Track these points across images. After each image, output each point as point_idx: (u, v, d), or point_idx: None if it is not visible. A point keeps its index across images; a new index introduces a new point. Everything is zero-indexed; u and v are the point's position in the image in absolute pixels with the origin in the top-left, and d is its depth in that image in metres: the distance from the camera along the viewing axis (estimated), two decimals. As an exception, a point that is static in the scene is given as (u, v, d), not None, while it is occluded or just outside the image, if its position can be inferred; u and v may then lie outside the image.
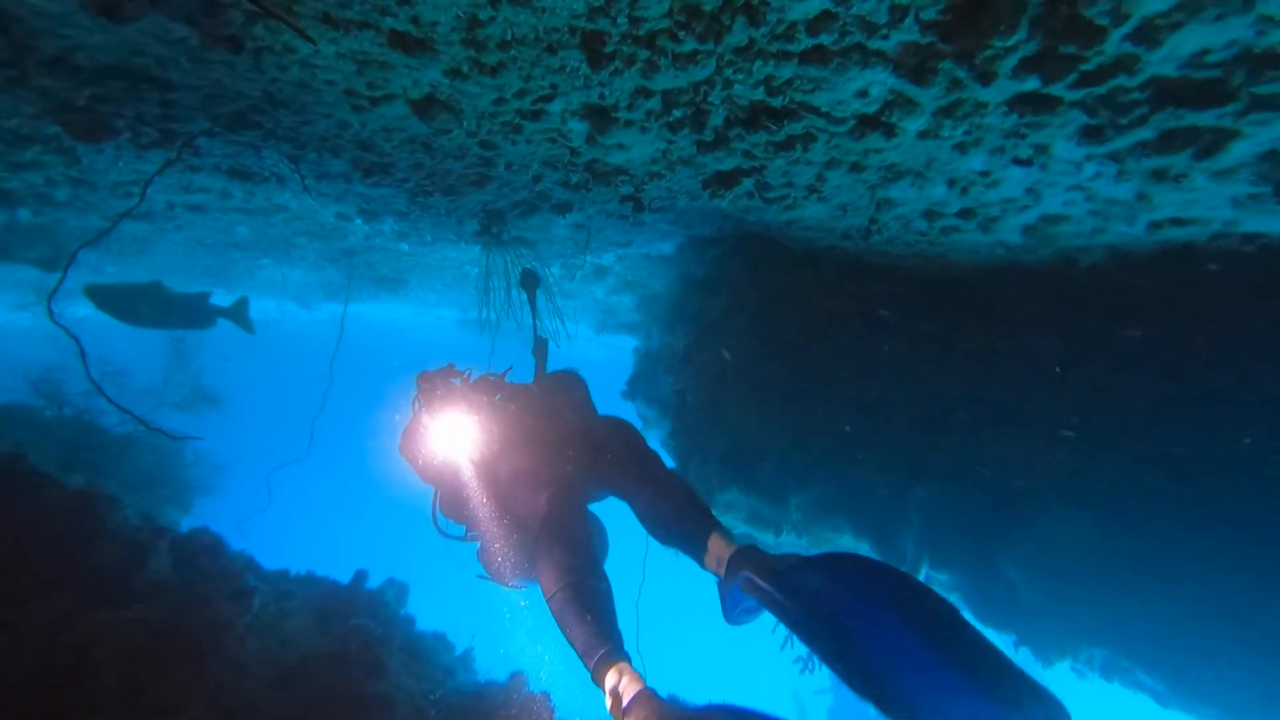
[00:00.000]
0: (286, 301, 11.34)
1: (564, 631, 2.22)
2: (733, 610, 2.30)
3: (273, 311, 12.58)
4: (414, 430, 3.35)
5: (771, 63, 2.16)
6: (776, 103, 2.40)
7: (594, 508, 2.99)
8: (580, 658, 2.12)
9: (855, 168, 2.94)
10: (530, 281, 4.64)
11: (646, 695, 1.90)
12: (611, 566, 2.61)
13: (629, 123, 2.55)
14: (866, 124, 2.54)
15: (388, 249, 6.35)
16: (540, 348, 4.07)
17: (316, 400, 6.68)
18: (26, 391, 5.16)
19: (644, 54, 2.06)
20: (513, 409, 3.19)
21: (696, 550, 2.47)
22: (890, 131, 2.55)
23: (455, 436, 3.11)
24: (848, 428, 4.01)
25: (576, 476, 2.85)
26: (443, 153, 3.50)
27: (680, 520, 2.57)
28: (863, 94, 2.36)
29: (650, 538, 2.78)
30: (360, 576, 4.93)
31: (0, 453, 3.89)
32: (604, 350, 17.75)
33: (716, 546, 2.36)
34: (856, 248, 3.96)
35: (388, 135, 3.30)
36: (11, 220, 5.44)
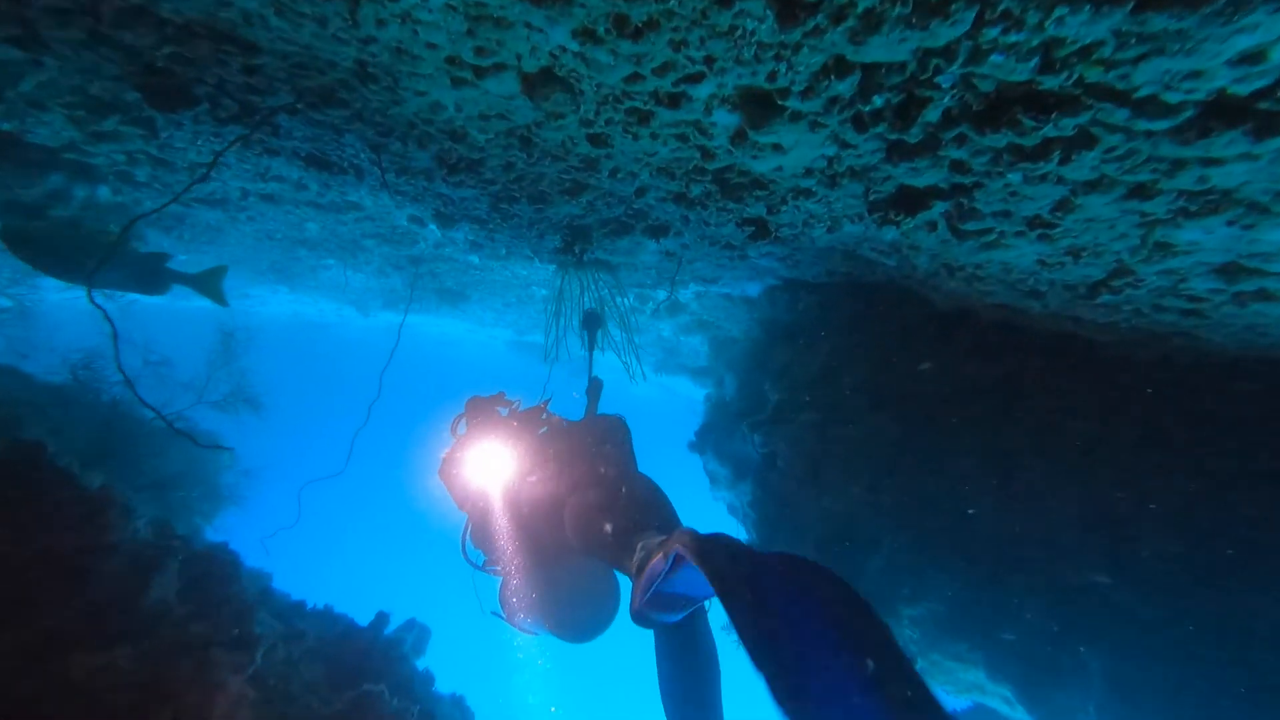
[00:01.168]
0: (345, 306, 11.27)
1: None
2: (648, 591, 2.06)
3: (331, 315, 12.58)
4: (455, 455, 3.35)
5: (1085, 9, 1.38)
6: (1051, 84, 1.65)
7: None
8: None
9: (1141, 192, 2.03)
10: (592, 322, 4.58)
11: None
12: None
13: (797, 116, 2.00)
14: (1221, 115, 1.63)
15: (456, 260, 6.00)
16: (594, 389, 4.01)
17: (361, 411, 6.30)
18: (67, 373, 4.92)
19: (869, 2, 1.47)
20: (555, 446, 3.19)
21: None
22: (1268, 129, 1.61)
23: (495, 465, 3.14)
24: (980, 529, 3.24)
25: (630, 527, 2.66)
26: (542, 150, 3.05)
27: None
28: (1251, 59, 1.45)
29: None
30: (380, 621, 4.36)
31: (24, 441, 3.53)
32: (656, 390, 17.19)
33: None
34: (1044, 308, 3.17)
35: (484, 124, 2.86)
36: (92, 196, 5.32)
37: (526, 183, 3.56)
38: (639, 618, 2.23)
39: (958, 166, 2.11)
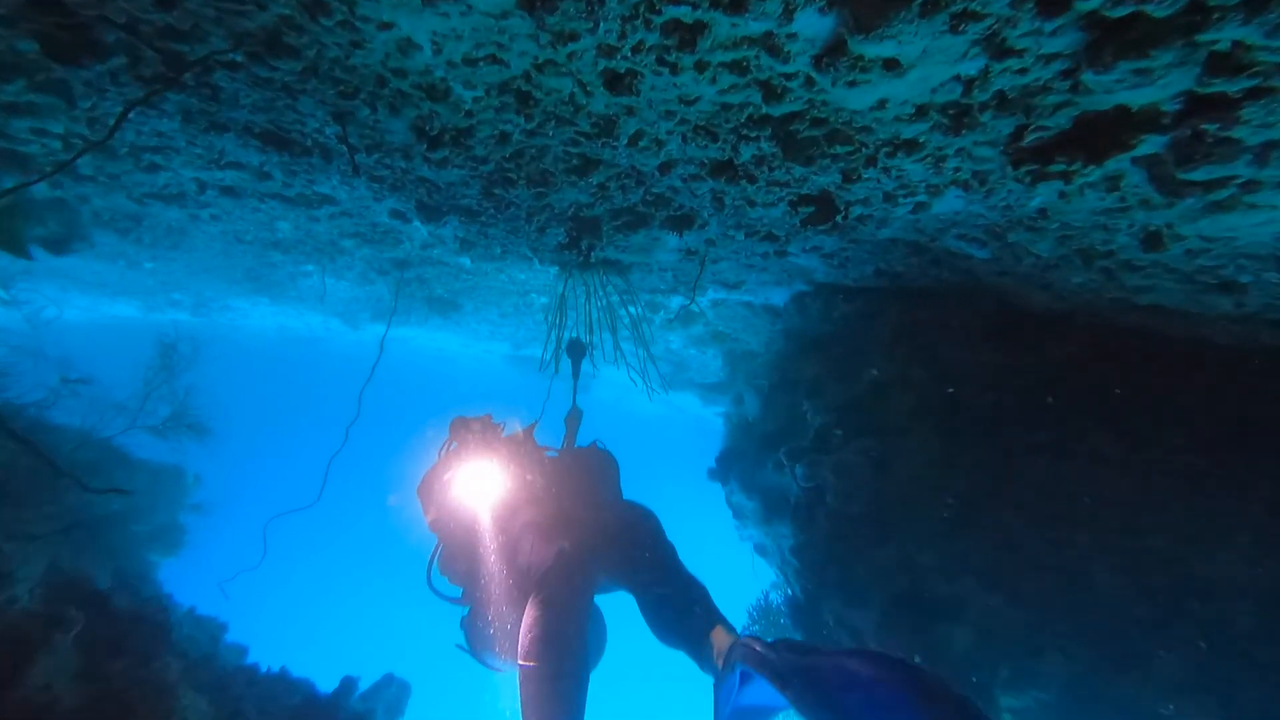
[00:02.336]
0: (332, 318, 10.62)
1: (523, 704, 2.07)
2: (726, 707, 2.12)
3: (318, 329, 11.92)
4: (436, 474, 3.29)
5: None
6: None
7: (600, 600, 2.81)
8: None
9: None
10: (576, 351, 4.39)
11: None
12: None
13: (932, 6, 1.34)
14: None
15: (446, 263, 5.36)
16: (574, 418, 3.95)
17: (340, 436, 5.61)
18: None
19: None
20: (541, 471, 3.16)
21: (699, 647, 2.34)
22: None
23: (480, 487, 3.09)
24: (1103, 590, 2.55)
25: (587, 559, 2.66)
26: (544, 112, 2.42)
27: (684, 616, 2.46)
28: None
29: (654, 637, 2.62)
30: (346, 688, 3.64)
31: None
32: (662, 408, 16.49)
33: (720, 639, 2.25)
34: (1237, 309, 2.44)
35: (471, 74, 2.23)
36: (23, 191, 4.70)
37: (525, 160, 2.93)
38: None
39: (1221, 64, 1.40)
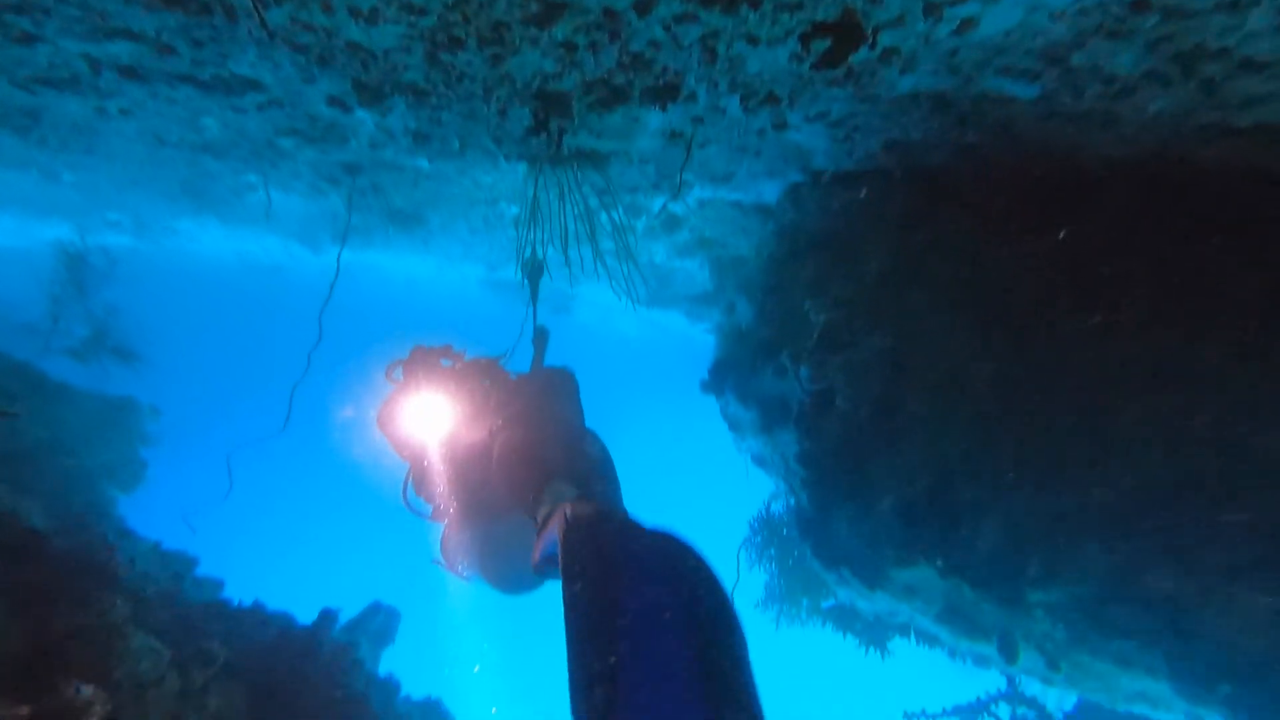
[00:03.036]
0: (290, 241, 9.92)
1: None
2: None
3: (278, 254, 11.19)
4: (394, 404, 3.35)
5: None
6: None
7: None
8: None
9: None
10: (535, 271, 4.31)
11: None
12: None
13: None
14: None
15: (401, 166, 4.78)
16: (540, 339, 3.92)
17: (308, 366, 5.21)
18: None
19: None
20: (497, 398, 3.18)
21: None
22: None
23: (431, 417, 3.16)
24: (1147, 468, 2.32)
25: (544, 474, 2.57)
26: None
27: None
28: None
29: None
30: (325, 621, 3.46)
31: None
32: (645, 328, 16.12)
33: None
34: None
35: None
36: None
37: (472, 7, 2.38)
38: (539, 570, 2.10)
39: None
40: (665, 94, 2.90)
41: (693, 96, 2.92)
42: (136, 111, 4.27)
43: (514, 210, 6.06)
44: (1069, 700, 3.50)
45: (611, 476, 2.69)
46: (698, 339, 14.02)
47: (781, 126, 3.04)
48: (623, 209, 5.22)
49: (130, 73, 3.56)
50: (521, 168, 4.27)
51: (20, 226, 8.33)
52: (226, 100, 3.84)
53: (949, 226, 3.03)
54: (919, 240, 3.11)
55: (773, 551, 4.13)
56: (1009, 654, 2.27)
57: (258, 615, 3.45)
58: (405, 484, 3.34)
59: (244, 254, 11.39)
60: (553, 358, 4.16)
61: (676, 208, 5.45)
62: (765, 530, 4.16)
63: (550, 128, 3.22)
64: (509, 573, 2.96)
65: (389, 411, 3.33)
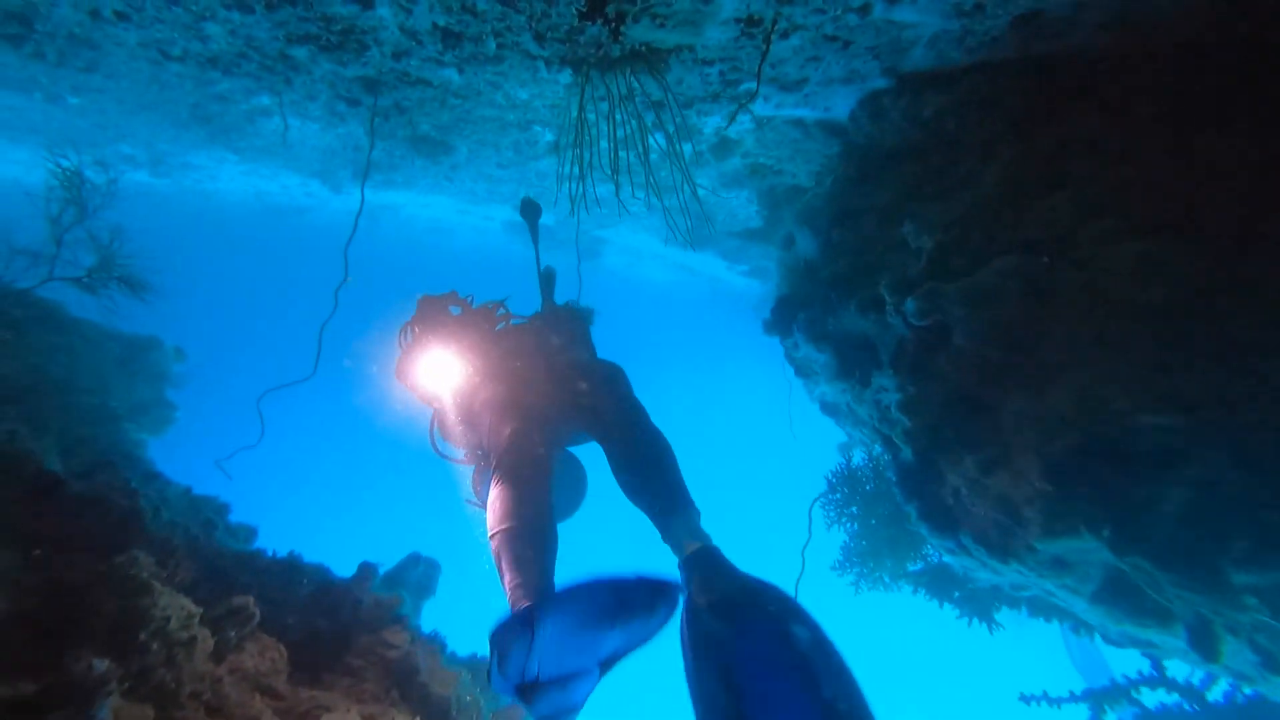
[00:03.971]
0: (310, 180, 9.50)
1: (498, 572, 2.13)
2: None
3: (298, 194, 10.79)
4: (408, 357, 3.41)
5: None
6: None
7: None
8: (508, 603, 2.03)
9: None
10: (531, 211, 4.22)
11: None
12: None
13: None
14: None
15: (428, 82, 4.27)
16: (546, 279, 3.90)
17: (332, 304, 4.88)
18: None
19: None
20: (504, 343, 3.27)
21: (665, 520, 2.24)
22: None
23: (439, 367, 3.22)
24: None
25: (552, 414, 2.82)
26: None
27: (651, 477, 2.42)
28: None
29: (620, 490, 2.56)
30: (365, 573, 3.23)
31: None
32: (668, 271, 15.54)
33: (688, 546, 2.11)
34: None
35: None
36: None
37: None
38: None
39: None
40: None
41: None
42: (134, 15, 3.81)
43: (549, 136, 5.54)
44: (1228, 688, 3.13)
45: (631, 402, 2.73)
46: (729, 283, 13.46)
47: (891, 5, 2.47)
48: (672, 129, 4.68)
49: (119, -41, 3.09)
50: (564, 77, 3.75)
51: (31, 157, 8.02)
52: (230, -4, 3.35)
53: (1087, 123, 2.49)
54: (1049, 140, 2.57)
55: (854, 509, 3.77)
56: (1206, 647, 1.88)
57: (294, 567, 3.24)
58: (431, 430, 3.38)
59: (263, 193, 11.02)
60: (583, 301, 4.10)
61: (731, 129, 4.88)
62: (847, 486, 3.79)
63: (606, 11, 2.69)
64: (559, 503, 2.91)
65: (404, 365, 3.38)
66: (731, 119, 4.05)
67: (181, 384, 5.45)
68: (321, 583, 3.07)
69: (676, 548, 2.15)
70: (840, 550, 3.82)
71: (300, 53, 4.03)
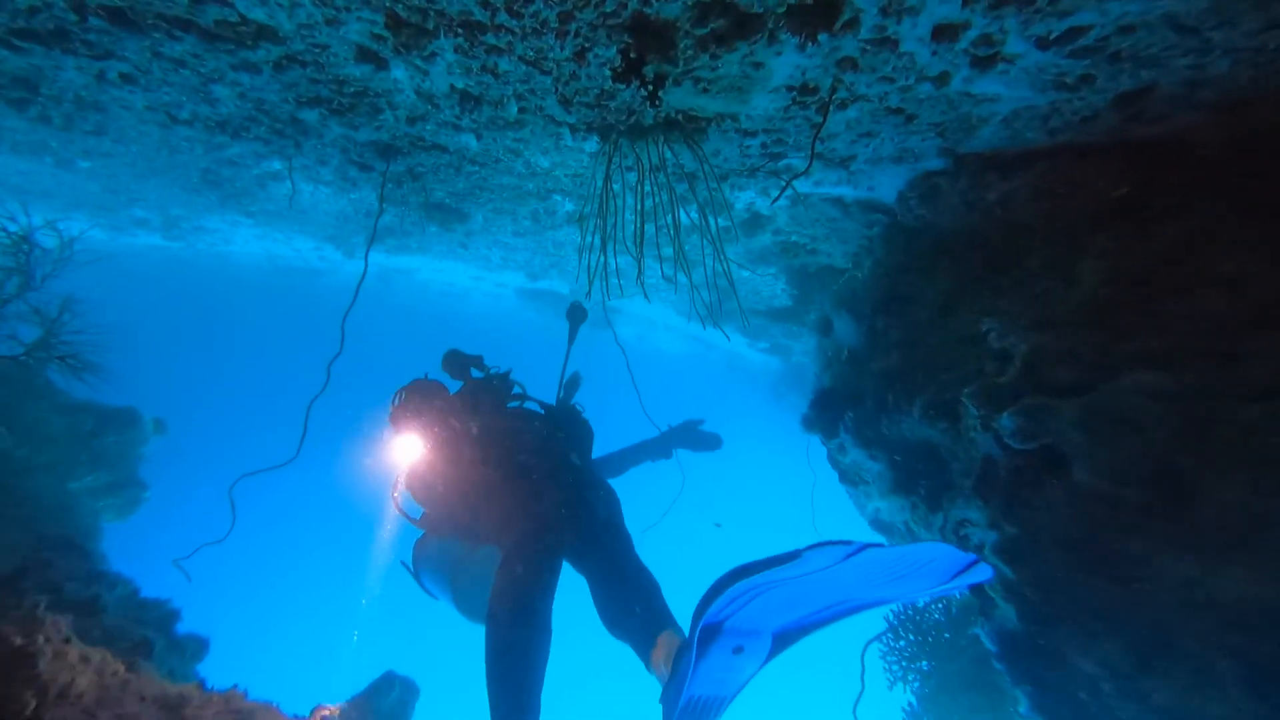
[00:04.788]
0: (324, 244, 9.38)
1: (487, 678, 2.15)
2: (675, 710, 2.00)
3: (311, 257, 10.70)
4: (417, 400, 3.49)
5: None
6: None
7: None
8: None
9: None
10: (577, 316, 4.23)
11: None
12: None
13: None
14: None
15: (444, 148, 4.03)
16: (572, 384, 3.88)
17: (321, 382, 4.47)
18: None
19: None
20: (511, 424, 3.33)
21: (644, 644, 2.27)
22: None
23: (440, 422, 3.31)
24: None
25: (557, 524, 2.76)
26: None
27: (632, 610, 2.43)
28: None
29: (602, 624, 2.59)
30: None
31: None
32: (682, 343, 15.19)
33: (667, 642, 2.20)
34: None
35: None
36: None
37: None
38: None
39: None
40: (816, 18, 2.04)
41: (854, 22, 2.05)
42: (140, 79, 3.62)
43: (568, 206, 5.28)
44: None
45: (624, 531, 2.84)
46: (744, 358, 13.05)
47: (986, 63, 2.14)
48: (699, 203, 4.38)
49: (120, 17, 2.88)
50: (590, 145, 3.46)
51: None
52: (238, 56, 3.13)
53: (1219, 214, 2.09)
54: (1173, 232, 2.17)
55: (925, 664, 3.08)
56: None
57: (233, 707, 2.63)
58: (397, 483, 3.37)
59: (276, 256, 10.94)
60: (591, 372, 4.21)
61: (764, 204, 4.58)
62: (912, 631, 3.13)
63: (644, 73, 2.38)
64: (477, 601, 2.91)
65: (406, 411, 3.43)
66: (778, 196, 3.71)
67: (158, 462, 4.98)
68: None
69: (665, 662, 2.14)
70: (903, 713, 3.08)
71: (311, 116, 3.81)
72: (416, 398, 3.47)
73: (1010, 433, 2.10)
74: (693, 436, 4.77)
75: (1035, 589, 2.08)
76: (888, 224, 4.22)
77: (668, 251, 6.81)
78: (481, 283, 12.21)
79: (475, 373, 3.74)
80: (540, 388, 4.37)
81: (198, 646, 3.58)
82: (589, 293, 3.88)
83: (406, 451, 3.40)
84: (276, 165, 5.08)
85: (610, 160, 3.23)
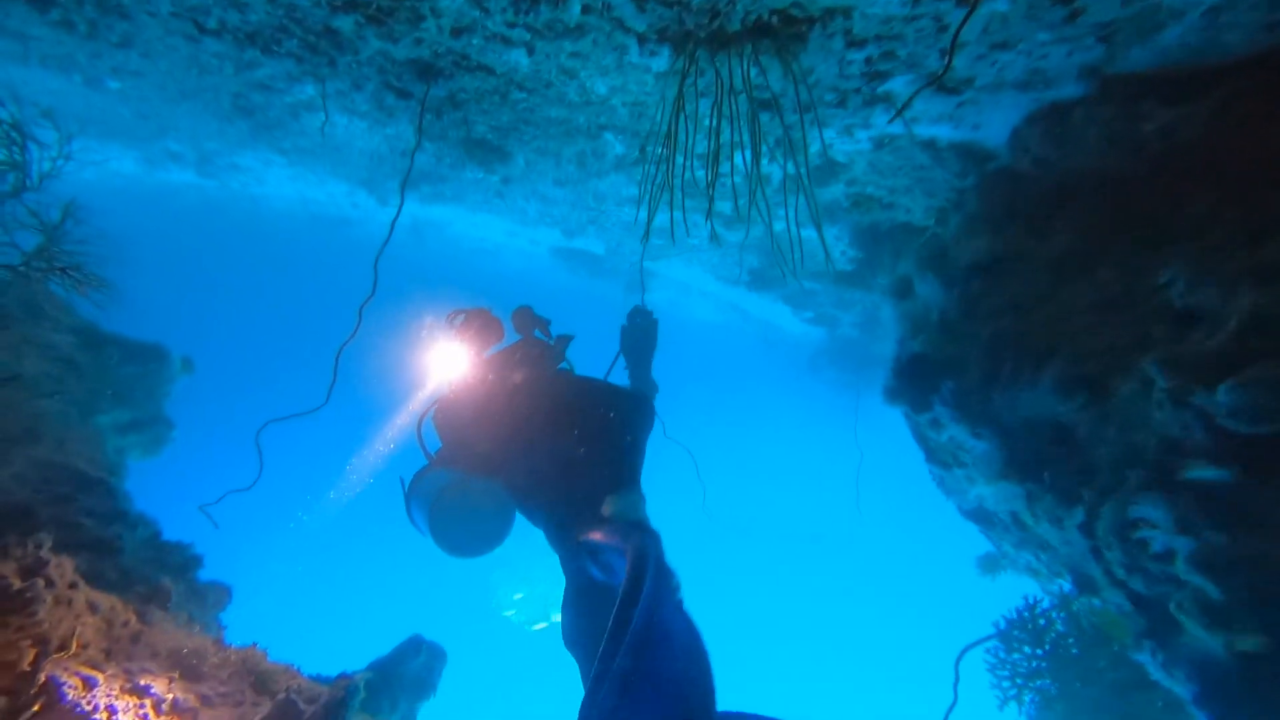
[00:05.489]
0: (358, 189, 9.09)
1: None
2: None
3: (344, 203, 10.44)
4: (478, 325, 3.43)
5: None
6: None
7: None
8: None
9: None
10: (643, 326, 3.78)
11: None
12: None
13: None
14: None
15: (490, 68, 3.60)
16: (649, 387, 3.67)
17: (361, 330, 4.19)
18: None
19: None
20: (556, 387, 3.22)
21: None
22: None
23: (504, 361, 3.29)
24: None
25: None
26: None
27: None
28: None
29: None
30: (343, 692, 2.36)
31: None
32: (719, 311, 14.66)
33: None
34: None
35: None
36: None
37: None
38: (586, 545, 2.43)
39: None
40: None
41: None
42: (162, -27, 3.26)
43: (619, 149, 4.83)
44: None
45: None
46: (789, 329, 12.50)
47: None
48: (773, 141, 3.90)
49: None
50: (659, 62, 3.01)
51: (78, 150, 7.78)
52: (265, -61, 2.74)
53: None
54: None
55: (1049, 683, 2.64)
56: None
57: (250, 667, 2.39)
58: (422, 417, 3.32)
59: (310, 200, 10.71)
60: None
61: (841, 150, 4.08)
62: (1029, 641, 2.69)
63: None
64: (459, 533, 2.89)
65: (469, 330, 3.35)
66: (899, 112, 3.10)
67: (185, 401, 4.81)
68: (284, 705, 2.22)
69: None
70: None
71: (346, 24, 3.42)
72: (480, 322, 3.38)
73: (1233, 410, 1.64)
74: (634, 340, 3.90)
75: (1251, 612, 1.66)
76: (989, 172, 3.70)
77: (718, 206, 6.32)
78: (515, 239, 11.85)
79: (538, 334, 3.59)
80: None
81: (220, 595, 3.39)
82: (645, 235, 3.48)
83: (451, 372, 3.30)
84: (310, 90, 4.71)
85: (685, 77, 2.78)
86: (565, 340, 3.57)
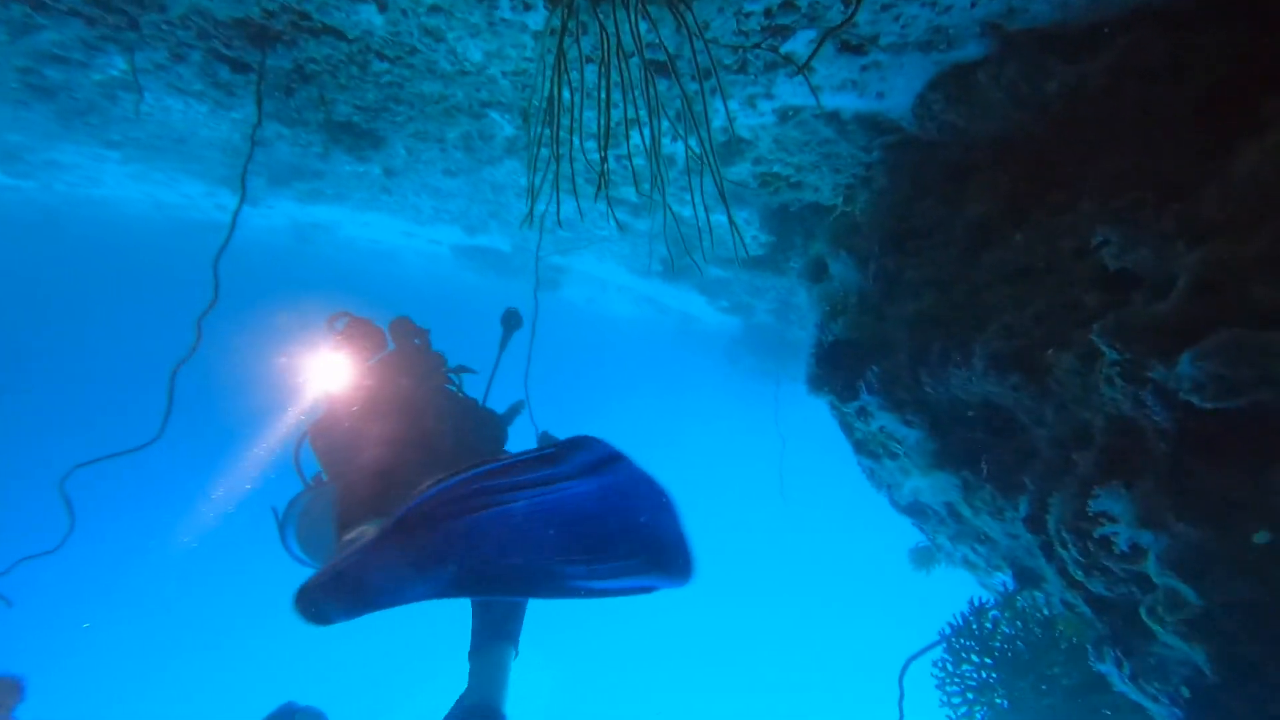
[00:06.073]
0: (218, 188, 8.01)
1: None
2: None
3: (205, 205, 9.18)
4: (357, 335, 3.34)
5: None
6: None
7: None
8: None
9: None
10: (512, 323, 3.88)
11: None
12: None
13: None
14: None
15: (338, 30, 3.03)
16: (513, 410, 3.65)
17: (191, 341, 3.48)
18: None
19: None
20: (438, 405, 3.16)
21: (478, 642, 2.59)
22: None
23: (383, 375, 3.18)
24: None
25: None
26: None
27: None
28: None
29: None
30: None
31: None
32: (635, 305, 14.37)
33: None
34: None
35: None
36: None
37: None
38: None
39: None
40: None
41: None
42: None
43: (508, 130, 4.35)
44: None
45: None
46: (706, 320, 12.41)
47: None
48: (673, 114, 3.58)
49: None
50: (535, 17, 2.58)
51: None
52: None
53: None
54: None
55: (1001, 699, 2.41)
56: None
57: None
58: (300, 440, 3.18)
59: (164, 205, 9.36)
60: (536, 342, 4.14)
61: (745, 125, 3.82)
62: (977, 650, 2.47)
63: None
64: (316, 544, 2.72)
65: (347, 340, 3.25)
66: (815, 52, 2.80)
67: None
68: None
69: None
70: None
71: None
72: (362, 331, 3.26)
73: (1199, 384, 1.44)
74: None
75: (1237, 617, 1.49)
76: (892, 143, 3.57)
77: (621, 193, 5.96)
78: (413, 239, 10.97)
79: (416, 342, 3.52)
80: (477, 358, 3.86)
81: (7, 693, 2.65)
82: (529, 218, 3.05)
83: (330, 384, 3.14)
84: (120, 64, 3.89)
85: (564, 33, 2.37)
86: (460, 369, 3.58)
